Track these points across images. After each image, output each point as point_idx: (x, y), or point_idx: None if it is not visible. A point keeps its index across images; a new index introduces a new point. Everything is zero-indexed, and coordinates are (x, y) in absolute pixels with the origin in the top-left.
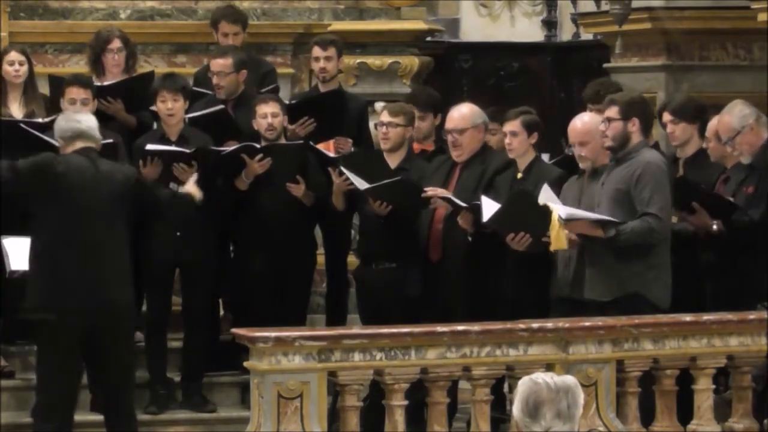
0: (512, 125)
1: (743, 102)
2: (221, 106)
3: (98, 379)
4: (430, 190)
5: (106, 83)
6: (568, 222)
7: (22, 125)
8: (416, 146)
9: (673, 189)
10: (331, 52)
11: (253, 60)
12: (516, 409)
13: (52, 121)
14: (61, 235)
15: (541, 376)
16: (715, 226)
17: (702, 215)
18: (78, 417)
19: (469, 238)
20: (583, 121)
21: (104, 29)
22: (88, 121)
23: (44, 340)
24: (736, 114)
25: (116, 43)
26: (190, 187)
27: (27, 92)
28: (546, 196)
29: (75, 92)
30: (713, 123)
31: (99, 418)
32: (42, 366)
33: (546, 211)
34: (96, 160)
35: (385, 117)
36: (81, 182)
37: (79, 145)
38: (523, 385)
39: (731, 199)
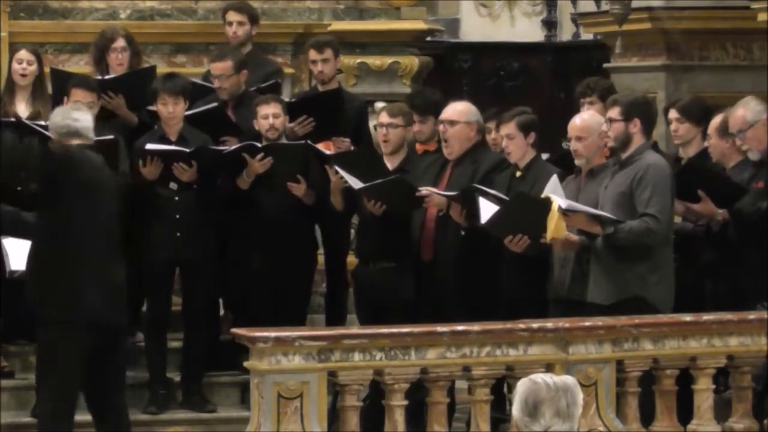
0: (507, 128)
1: (756, 98)
2: (215, 104)
3: (95, 380)
4: (425, 190)
5: (107, 77)
6: (567, 213)
7: (26, 122)
8: (419, 147)
9: (678, 177)
10: (328, 54)
11: (260, 59)
12: (515, 409)
13: None
14: (83, 237)
15: (540, 376)
16: (719, 217)
17: (707, 204)
18: (78, 417)
19: (462, 233)
20: (583, 119)
21: (108, 28)
22: (85, 120)
23: (63, 350)
24: (751, 108)
25: (120, 42)
26: None
27: (35, 92)
28: (552, 187)
29: (80, 95)
30: (715, 120)
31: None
32: (57, 374)
33: (545, 213)
34: (99, 158)
35: (385, 118)
36: (97, 179)
37: (75, 142)
38: (522, 385)
39: None
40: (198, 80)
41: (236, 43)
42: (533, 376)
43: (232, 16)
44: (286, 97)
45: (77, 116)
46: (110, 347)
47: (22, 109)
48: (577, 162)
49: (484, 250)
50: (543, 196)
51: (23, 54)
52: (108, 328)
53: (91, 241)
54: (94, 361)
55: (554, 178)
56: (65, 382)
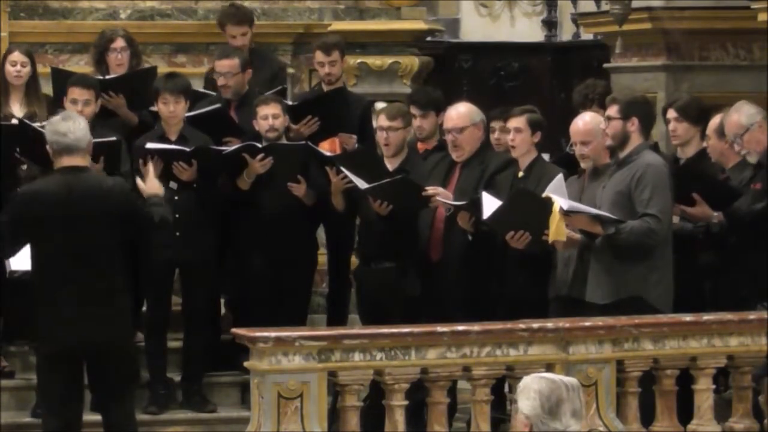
0: (517, 121)
1: (748, 102)
2: (218, 105)
3: (98, 384)
4: (431, 189)
5: (108, 77)
6: (568, 214)
7: (28, 123)
8: (420, 146)
9: (674, 180)
10: (335, 55)
11: (264, 57)
12: (531, 407)
13: None
14: (54, 268)
15: (551, 375)
16: (715, 219)
17: (703, 207)
18: (82, 417)
19: (470, 238)
20: (585, 121)
21: (108, 29)
22: (76, 131)
23: (46, 372)
24: (744, 112)
25: (119, 42)
26: (151, 186)
27: (29, 93)
28: (555, 187)
29: (78, 93)
30: (714, 121)
31: (99, 418)
32: (46, 395)
33: (546, 210)
34: (74, 185)
35: (384, 122)
36: (57, 215)
37: (66, 162)
38: (538, 383)
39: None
40: (205, 87)
41: (244, 50)
42: (545, 375)
43: (233, 30)
44: (289, 95)
45: (66, 129)
46: (101, 361)
47: (17, 109)
48: (583, 165)
49: (492, 251)
50: (544, 195)
51: (16, 56)
52: (85, 349)
53: (59, 271)
54: (89, 374)
55: (559, 177)
56: (48, 395)
